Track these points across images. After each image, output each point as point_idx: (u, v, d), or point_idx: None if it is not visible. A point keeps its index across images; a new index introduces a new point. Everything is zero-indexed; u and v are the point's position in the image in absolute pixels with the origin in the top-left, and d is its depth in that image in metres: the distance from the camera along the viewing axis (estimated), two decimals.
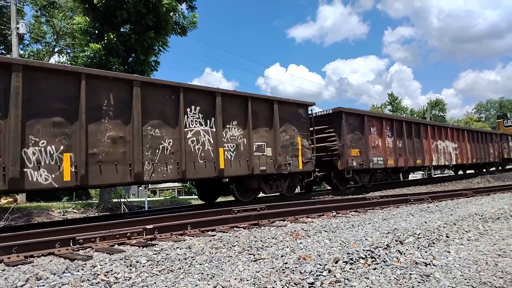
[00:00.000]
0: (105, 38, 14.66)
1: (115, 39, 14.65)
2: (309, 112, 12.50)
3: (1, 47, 28.44)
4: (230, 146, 9.92)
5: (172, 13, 16.78)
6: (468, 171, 24.79)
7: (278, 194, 12.14)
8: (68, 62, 29.46)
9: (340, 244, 4.70)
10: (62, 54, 31.59)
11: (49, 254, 4.73)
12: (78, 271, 3.76)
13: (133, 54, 16.04)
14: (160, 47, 17.41)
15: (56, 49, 31.53)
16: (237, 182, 10.68)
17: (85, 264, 4.02)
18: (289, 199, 11.55)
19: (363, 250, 4.25)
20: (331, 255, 4.12)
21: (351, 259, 3.96)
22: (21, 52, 27.70)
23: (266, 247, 4.76)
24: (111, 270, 3.76)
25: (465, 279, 3.52)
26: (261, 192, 11.76)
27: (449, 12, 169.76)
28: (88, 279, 3.49)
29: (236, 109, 10.20)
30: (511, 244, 4.89)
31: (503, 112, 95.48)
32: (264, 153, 10.64)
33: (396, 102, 60.79)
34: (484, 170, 24.91)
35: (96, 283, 3.41)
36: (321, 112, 14.27)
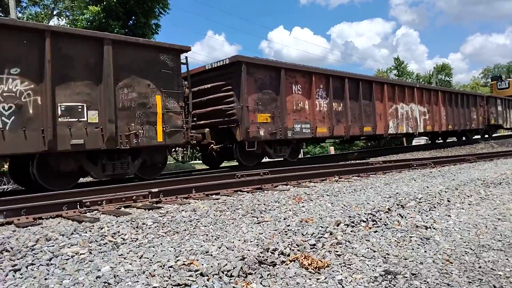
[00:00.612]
0: (104, 0, 14.34)
1: (114, 1, 14.32)
2: (183, 61, 9.05)
3: None
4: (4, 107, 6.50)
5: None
6: (449, 139, 22.50)
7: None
8: (68, 25, 28.95)
9: (342, 207, 4.78)
10: (62, 17, 31.00)
11: (57, 216, 4.84)
12: (86, 232, 3.87)
13: (133, 17, 15.73)
14: (160, 9, 17.04)
15: (55, 12, 30.90)
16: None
17: (93, 226, 4.12)
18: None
19: (364, 213, 4.32)
20: (332, 218, 4.20)
21: (353, 222, 4.04)
22: (19, 15, 27.15)
23: (269, 210, 4.84)
24: (118, 232, 3.86)
25: (464, 242, 3.60)
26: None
27: None
28: (96, 240, 3.59)
29: (20, 49, 6.71)
30: (511, 208, 4.95)
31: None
32: (81, 119, 7.27)
33: (402, 67, 59.79)
34: (464, 138, 22.15)
35: (104, 244, 3.51)
36: (216, 63, 10.61)
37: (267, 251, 3.19)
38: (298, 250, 3.28)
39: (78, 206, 5.07)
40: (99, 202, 5.24)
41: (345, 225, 3.93)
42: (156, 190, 5.76)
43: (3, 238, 3.68)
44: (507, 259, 3.18)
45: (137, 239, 3.71)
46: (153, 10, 16.07)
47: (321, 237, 3.58)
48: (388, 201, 5.07)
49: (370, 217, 4.21)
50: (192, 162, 25.66)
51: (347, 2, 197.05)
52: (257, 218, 4.45)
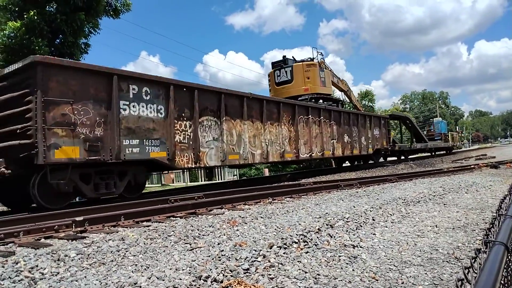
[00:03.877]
0: (25, 16, 13.50)
1: (36, 17, 13.53)
2: None
3: None
4: None
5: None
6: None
7: None
8: None
9: (275, 229, 4.84)
10: None
11: None
12: None
13: (60, 36, 14.98)
14: (90, 29, 16.44)
15: None
16: None
17: (6, 260, 3.74)
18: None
19: (296, 234, 4.42)
20: (266, 240, 4.23)
21: (285, 243, 4.11)
22: None
23: (203, 235, 4.76)
24: (37, 266, 3.55)
25: (388, 259, 3.82)
26: None
27: (379, 7, 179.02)
28: (9, 277, 3.26)
29: None
30: (429, 225, 5.37)
31: (425, 103, 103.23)
32: None
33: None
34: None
35: (19, 281, 3.20)
36: (8, 68, 7.83)
37: (200, 279, 3.12)
38: (231, 276, 3.25)
39: None
40: (15, 233, 4.78)
41: (278, 247, 3.98)
42: (81, 218, 5.40)
43: None
44: (425, 273, 3.42)
45: (58, 272, 3.43)
46: (82, 29, 15.44)
47: (255, 260, 3.59)
48: (318, 221, 5.24)
49: (301, 238, 4.32)
50: None
51: (278, 30, 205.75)
52: (190, 244, 4.35)
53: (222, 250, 3.92)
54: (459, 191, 8.65)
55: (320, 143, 15.46)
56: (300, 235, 4.40)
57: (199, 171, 35.09)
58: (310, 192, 9.06)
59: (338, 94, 26.16)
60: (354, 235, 4.71)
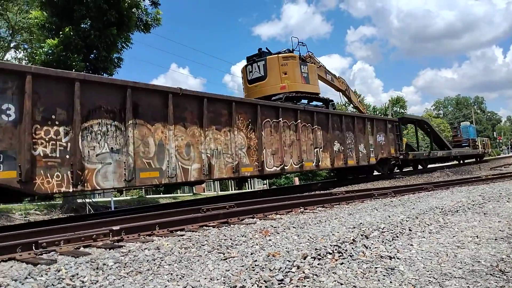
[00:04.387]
0: (61, 33, 14.14)
1: (71, 34, 14.15)
2: None
3: None
4: None
5: (135, 9, 16.47)
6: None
7: None
8: (26, 58, 28.20)
9: (308, 240, 4.79)
10: (19, 50, 30.17)
11: (10, 259, 4.53)
12: (42, 276, 3.63)
13: (94, 51, 15.58)
14: (123, 44, 17.01)
15: (12, 44, 30.05)
16: None
17: (49, 268, 3.88)
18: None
19: (330, 245, 4.35)
20: (299, 251, 4.19)
21: (319, 254, 4.05)
22: None
23: (236, 245, 4.77)
24: (77, 274, 3.66)
25: (428, 271, 3.69)
26: None
27: (408, 12, 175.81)
28: (52, 284, 3.37)
29: None
30: (469, 235, 5.15)
31: (459, 108, 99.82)
32: None
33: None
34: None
35: None
36: None
37: None
38: (265, 287, 3.23)
39: (33, 247, 4.77)
40: (57, 242, 4.96)
41: (312, 258, 3.93)
42: (117, 228, 5.54)
43: None
44: (468, 286, 3.28)
45: (97, 281, 3.52)
46: (115, 44, 16.01)
47: (289, 271, 3.56)
48: (352, 231, 5.14)
49: (336, 249, 4.25)
50: (156, 196, 25.06)
51: (305, 38, 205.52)
52: (224, 254, 4.37)
53: (256, 260, 3.91)
54: (500, 200, 8.27)
55: (297, 153, 12.50)
56: (334, 245, 4.32)
57: (229, 181, 35.23)
58: (343, 202, 8.93)
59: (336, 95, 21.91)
60: (390, 246, 4.59)
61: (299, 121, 12.76)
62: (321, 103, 16.31)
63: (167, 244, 4.87)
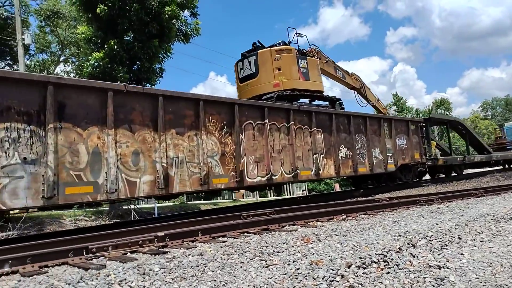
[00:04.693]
0: (106, 46, 14.80)
1: (116, 46, 14.78)
2: None
3: (8, 58, 28.80)
4: None
5: (175, 20, 16.86)
6: None
7: None
8: (74, 71, 29.79)
9: (352, 248, 4.69)
10: (68, 63, 31.95)
11: (63, 263, 4.77)
12: (92, 280, 3.79)
13: (137, 62, 16.18)
14: (164, 55, 17.55)
15: (61, 58, 31.88)
16: None
17: (99, 273, 4.04)
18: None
19: (375, 254, 4.24)
20: (343, 259, 4.12)
21: (364, 263, 3.96)
22: (27, 62, 28.02)
23: (278, 252, 4.76)
24: (125, 279, 3.79)
25: (481, 282, 3.50)
26: None
27: (451, 11, 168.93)
28: None
29: None
30: None
31: (510, 109, 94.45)
32: None
33: (401, 103, 60.55)
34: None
35: None
36: None
37: None
38: None
39: (84, 252, 5.00)
40: (105, 247, 5.17)
41: (356, 266, 3.84)
42: (162, 234, 5.69)
43: None
44: None
45: (144, 286, 3.63)
46: (156, 55, 16.55)
47: (333, 280, 3.50)
48: (398, 240, 4.98)
49: (381, 258, 4.13)
50: (197, 202, 25.51)
51: (343, 42, 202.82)
52: (266, 261, 4.37)
53: (298, 268, 3.88)
54: None
55: (290, 160, 10.78)
56: (379, 254, 4.21)
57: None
58: (387, 208, 8.68)
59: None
60: (439, 255, 4.40)
61: (292, 123, 10.98)
62: (327, 103, 14.39)
63: (210, 251, 4.94)
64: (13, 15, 23.18)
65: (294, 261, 4.25)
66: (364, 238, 5.30)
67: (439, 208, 8.43)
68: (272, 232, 6.39)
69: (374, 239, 5.13)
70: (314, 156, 11.52)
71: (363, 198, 11.94)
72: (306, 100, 13.79)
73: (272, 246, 5.03)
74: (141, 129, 7.92)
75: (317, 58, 14.59)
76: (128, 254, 5.15)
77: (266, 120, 10.32)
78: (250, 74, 13.10)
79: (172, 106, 8.44)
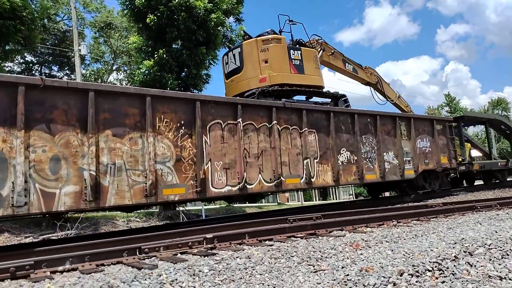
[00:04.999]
0: (155, 55, 15.36)
1: (165, 55, 15.30)
2: None
3: (66, 68, 30.77)
4: None
5: (221, 27, 17.18)
6: None
7: None
8: (126, 79, 31.27)
9: (404, 255, 4.53)
10: (120, 72, 33.60)
11: (118, 262, 5.00)
12: (145, 279, 3.94)
13: (185, 69, 16.65)
14: (210, 61, 17.94)
15: (114, 67, 33.58)
16: None
17: (152, 273, 4.20)
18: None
19: (429, 262, 4.06)
20: (394, 267, 3.98)
21: (417, 271, 3.80)
22: (83, 71, 29.73)
23: (326, 258, 4.70)
24: (176, 279, 3.90)
25: None
26: None
27: (507, 5, 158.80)
28: None
29: None
30: None
31: None
32: None
33: (454, 103, 57.76)
34: None
35: None
36: None
37: None
38: None
39: (137, 252, 5.21)
40: (157, 248, 5.36)
41: (409, 274, 3.70)
42: (210, 236, 5.81)
43: (70, 285, 3.84)
44: None
45: (195, 287, 3.72)
46: (203, 62, 16.95)
47: None
48: (453, 247, 4.74)
49: (435, 266, 3.95)
50: (243, 205, 25.78)
51: (390, 42, 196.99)
52: (314, 266, 4.32)
53: (348, 275, 3.80)
54: None
55: (271, 166, 9.16)
56: (433, 262, 4.03)
57: (313, 190, 34.75)
58: (440, 214, 8.29)
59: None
60: (499, 264, 4.13)
61: (275, 122, 9.35)
62: (330, 99, 12.38)
63: (258, 254, 4.97)
64: (71, 28, 24.79)
65: (343, 267, 4.17)
66: (416, 245, 5.10)
67: (497, 214, 7.93)
68: (320, 237, 6.31)
69: (427, 246, 4.92)
70: (305, 161, 9.81)
71: (415, 204, 11.48)
72: (303, 97, 12.16)
73: (320, 251, 4.97)
74: (65, 131, 6.65)
75: (320, 50, 12.91)
76: (178, 255, 5.30)
77: (240, 120, 8.74)
78: (235, 69, 11.52)
79: (109, 103, 7.09)
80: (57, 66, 30.95)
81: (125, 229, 12.32)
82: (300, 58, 11.58)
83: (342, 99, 12.53)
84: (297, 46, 11.97)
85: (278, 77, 11.01)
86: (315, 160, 10.11)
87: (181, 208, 16.80)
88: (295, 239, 6.24)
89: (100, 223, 13.67)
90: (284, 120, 9.69)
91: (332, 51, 13.70)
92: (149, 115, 7.41)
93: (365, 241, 5.55)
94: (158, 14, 14.91)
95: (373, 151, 11.63)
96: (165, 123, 7.74)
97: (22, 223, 12.35)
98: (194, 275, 4.07)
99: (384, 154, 11.90)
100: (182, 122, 7.96)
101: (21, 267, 4.50)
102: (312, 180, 9.87)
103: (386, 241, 5.50)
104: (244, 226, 6.93)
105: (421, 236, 5.82)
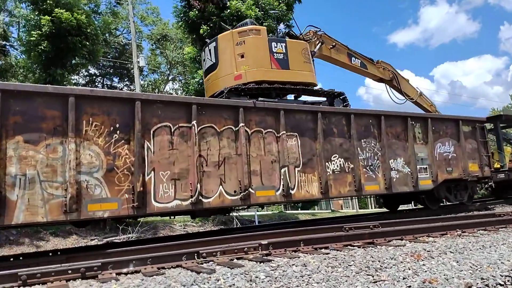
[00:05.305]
0: None
1: None
2: None
3: (126, 79, 32.55)
4: None
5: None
6: None
7: None
8: (181, 89, 32.44)
9: (471, 267, 4.26)
10: (175, 82, 34.94)
11: (178, 266, 5.17)
12: (204, 284, 4.04)
13: None
14: None
15: (170, 78, 34.99)
16: None
17: (210, 277, 4.29)
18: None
19: (500, 275, 3.81)
20: (461, 279, 3.76)
21: (487, 285, 3.58)
22: (142, 82, 31.27)
23: (385, 268, 4.54)
24: (233, 284, 3.96)
25: None
26: None
27: None
28: None
29: None
30: None
31: None
32: None
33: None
34: None
35: None
36: None
37: None
38: None
39: (195, 256, 5.36)
40: (214, 253, 5.47)
41: None
42: (265, 242, 5.83)
43: (134, 287, 4.03)
44: None
45: None
46: None
47: None
48: None
49: (508, 280, 3.68)
50: (295, 211, 25.62)
51: (448, 41, 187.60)
52: (373, 276, 4.19)
53: (410, 286, 3.65)
54: None
55: (237, 176, 7.77)
56: (505, 276, 3.76)
57: (370, 198, 33.69)
58: (511, 224, 7.70)
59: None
60: None
61: (243, 125, 7.93)
62: (324, 98, 10.64)
63: (314, 262, 4.91)
64: (130, 41, 26.22)
65: (404, 278, 4.01)
66: (484, 256, 4.78)
67: None
68: (378, 246, 6.11)
69: (497, 258, 4.60)
70: (282, 169, 8.26)
71: (481, 212, 10.76)
72: (291, 96, 10.62)
73: (379, 261, 4.81)
74: None
75: (318, 43, 11.33)
76: (235, 260, 5.37)
77: (194, 122, 7.41)
78: (210, 66, 10.11)
79: (22, 105, 6.05)
80: (118, 78, 32.83)
81: (182, 233, 12.73)
82: (284, 51, 9.93)
83: (340, 97, 10.72)
84: (282, 38, 10.46)
85: (255, 73, 9.45)
86: (297, 169, 8.58)
87: (234, 214, 17.04)
88: (352, 247, 6.09)
89: (158, 227, 14.24)
90: (256, 122, 8.24)
91: (333, 43, 11.94)
92: (72, 118, 6.28)
93: (427, 251, 5.29)
94: (211, 25, 15.35)
95: (375, 158, 9.86)
96: (94, 127, 6.57)
97: (88, 226, 13.17)
98: (251, 281, 4.11)
99: (391, 161, 10.07)
100: (117, 125, 6.75)
101: (90, 268, 4.79)
102: (292, 192, 8.32)
103: (451, 252, 5.21)
104: (298, 233, 6.88)
105: (489, 247, 5.45)
